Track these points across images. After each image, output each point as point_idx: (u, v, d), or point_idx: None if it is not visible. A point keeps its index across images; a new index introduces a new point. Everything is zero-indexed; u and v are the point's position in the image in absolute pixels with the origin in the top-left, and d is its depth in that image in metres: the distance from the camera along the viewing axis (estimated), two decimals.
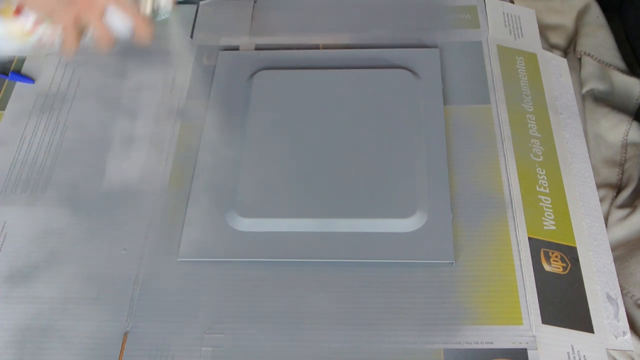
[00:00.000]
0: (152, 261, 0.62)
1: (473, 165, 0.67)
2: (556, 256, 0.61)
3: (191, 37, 0.81)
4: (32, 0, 0.59)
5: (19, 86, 0.77)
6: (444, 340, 0.56)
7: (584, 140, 0.71)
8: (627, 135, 0.73)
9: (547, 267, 0.60)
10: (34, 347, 0.58)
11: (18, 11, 0.60)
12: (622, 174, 0.71)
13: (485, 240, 0.62)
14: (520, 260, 0.61)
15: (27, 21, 0.60)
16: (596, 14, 0.83)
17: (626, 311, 0.59)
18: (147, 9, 0.62)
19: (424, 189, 0.64)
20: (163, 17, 0.63)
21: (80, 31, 0.60)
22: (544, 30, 0.83)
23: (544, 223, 0.63)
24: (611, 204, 0.68)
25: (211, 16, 0.83)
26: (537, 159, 0.68)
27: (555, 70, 0.77)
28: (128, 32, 0.60)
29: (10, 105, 0.75)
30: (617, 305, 0.59)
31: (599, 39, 0.81)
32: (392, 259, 0.61)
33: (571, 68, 0.78)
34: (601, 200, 0.67)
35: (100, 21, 0.59)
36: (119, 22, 0.60)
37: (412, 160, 0.66)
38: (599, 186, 0.69)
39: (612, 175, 0.71)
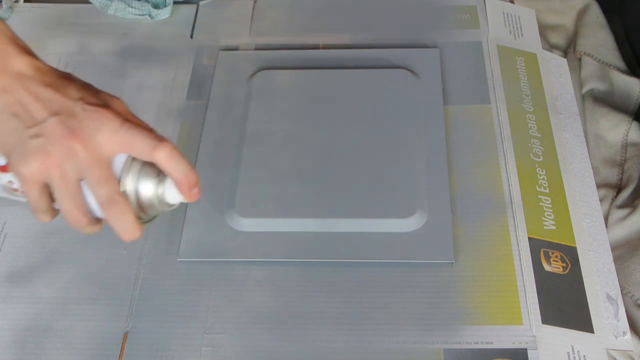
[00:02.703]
0: (152, 261, 0.62)
1: (473, 165, 0.67)
2: (556, 256, 0.61)
3: (191, 37, 0.81)
4: None
5: None
6: (444, 340, 0.56)
7: (584, 140, 0.71)
8: (627, 135, 0.73)
9: (547, 267, 0.60)
10: (34, 347, 0.58)
11: None
12: (622, 174, 0.71)
13: (485, 240, 0.62)
14: (520, 260, 0.61)
15: None
16: (596, 14, 0.83)
17: (626, 311, 0.59)
18: (144, 193, 0.43)
19: (424, 189, 0.64)
20: (167, 210, 0.45)
21: (50, 197, 0.43)
22: (544, 30, 0.83)
23: (544, 223, 0.63)
24: (611, 204, 0.68)
25: (211, 16, 0.83)
26: (537, 159, 0.68)
27: (555, 70, 0.77)
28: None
29: None
30: (617, 305, 0.59)
31: (599, 39, 0.81)
32: (392, 259, 0.61)
33: (571, 68, 0.78)
34: (601, 200, 0.67)
35: (65, 193, 0.42)
36: (93, 200, 0.43)
37: (412, 160, 0.66)
38: (599, 186, 0.69)
39: (612, 175, 0.71)
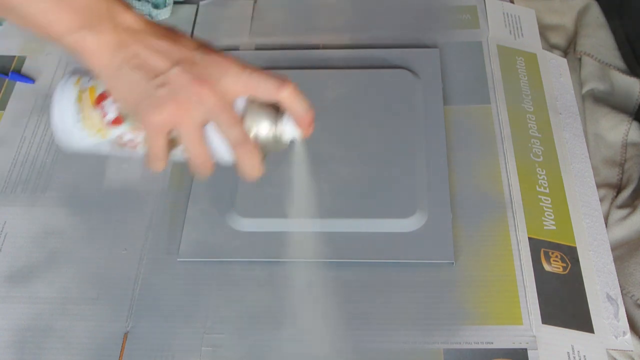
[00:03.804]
0: (152, 261, 0.62)
1: (473, 165, 0.67)
2: (556, 256, 0.61)
3: (191, 37, 0.80)
4: (119, 89, 0.44)
5: (19, 86, 0.77)
6: (444, 340, 0.56)
7: (584, 140, 0.71)
8: (627, 135, 0.73)
9: (547, 267, 0.60)
10: (34, 347, 0.58)
11: (100, 100, 0.46)
12: (622, 174, 0.71)
13: (485, 240, 0.62)
14: (520, 260, 0.61)
15: (108, 113, 0.46)
16: (596, 14, 0.83)
17: (626, 311, 0.59)
18: (268, 137, 0.45)
19: (424, 189, 0.64)
20: (285, 146, 0.47)
21: (170, 143, 0.44)
22: (544, 30, 0.83)
23: (544, 223, 0.63)
24: (611, 204, 0.68)
25: (211, 16, 0.83)
26: (537, 159, 0.68)
27: (555, 70, 0.77)
28: (229, 157, 0.45)
29: (10, 105, 0.75)
30: (617, 305, 0.59)
31: (599, 39, 0.81)
32: (392, 259, 0.61)
33: (571, 68, 0.78)
34: (601, 200, 0.67)
35: (195, 135, 0.43)
36: (219, 142, 0.44)
37: (412, 160, 0.66)
38: (599, 186, 0.69)
39: (612, 175, 0.71)
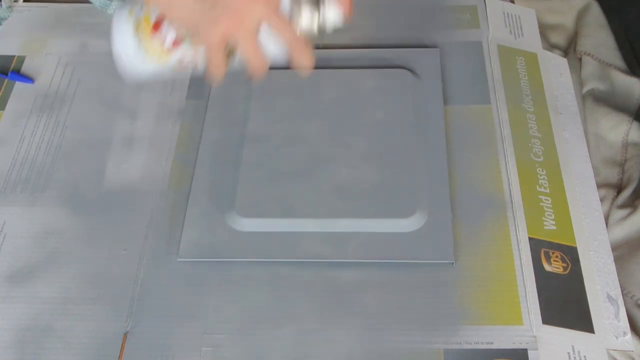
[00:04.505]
0: (152, 261, 0.62)
1: (473, 165, 0.67)
2: (556, 256, 0.61)
3: None
4: (175, 13, 0.49)
5: (19, 86, 0.77)
6: (444, 340, 0.56)
7: (584, 140, 0.71)
8: (627, 135, 0.73)
9: (547, 267, 0.60)
10: (34, 347, 0.58)
11: (157, 25, 0.50)
12: (623, 174, 0.71)
13: (485, 240, 0.62)
14: (520, 260, 0.60)
15: (167, 38, 0.50)
16: (596, 14, 0.83)
17: (627, 311, 0.59)
18: (312, 25, 0.49)
19: (424, 189, 0.64)
20: (330, 32, 0.51)
21: (228, 52, 0.50)
22: (544, 30, 0.83)
23: (544, 223, 0.63)
24: (611, 203, 0.68)
25: None
26: (537, 159, 0.68)
27: (555, 70, 0.77)
28: (283, 55, 0.50)
29: (9, 105, 0.75)
30: (618, 305, 0.59)
31: (599, 39, 0.81)
32: (392, 259, 0.61)
33: (571, 68, 0.78)
34: (601, 200, 0.67)
35: (251, 42, 0.49)
36: (272, 42, 0.49)
37: (412, 160, 0.66)
38: (599, 186, 0.69)
39: (612, 175, 0.71)
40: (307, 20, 0.49)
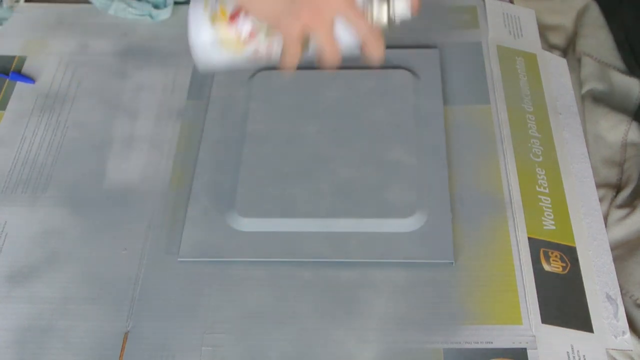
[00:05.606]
0: (152, 261, 0.62)
1: (473, 165, 0.67)
2: (556, 256, 0.61)
3: None
4: (257, 7, 0.52)
5: (20, 86, 0.77)
6: (443, 340, 0.56)
7: (584, 140, 0.71)
8: (626, 135, 0.73)
9: (546, 267, 0.61)
10: (34, 347, 0.58)
11: (234, 17, 0.52)
12: (622, 174, 0.71)
13: (485, 240, 0.62)
14: (519, 260, 0.61)
15: (243, 29, 0.52)
16: (596, 14, 0.83)
17: (626, 311, 0.59)
18: (383, 17, 0.52)
19: (423, 189, 0.64)
20: (398, 24, 0.53)
21: (303, 43, 0.52)
22: (543, 30, 0.83)
23: (544, 223, 0.63)
24: (611, 203, 0.68)
25: None
26: (536, 159, 0.68)
27: (555, 70, 0.77)
28: (356, 45, 0.53)
29: (10, 105, 0.75)
30: (617, 305, 0.59)
31: (599, 39, 0.81)
32: (391, 259, 0.61)
33: (571, 68, 0.78)
34: (601, 200, 0.67)
35: (327, 33, 0.51)
36: (347, 34, 0.52)
37: (412, 160, 0.66)
38: (599, 186, 0.69)
39: (611, 175, 0.71)
40: (378, 13, 0.52)
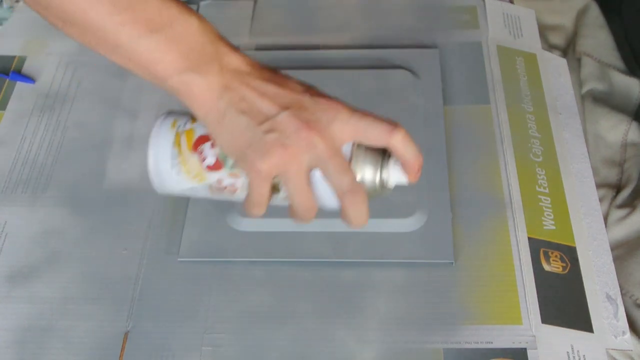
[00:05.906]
0: (152, 261, 0.62)
1: (473, 165, 0.67)
2: (556, 256, 0.61)
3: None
4: (223, 136, 0.43)
5: (20, 86, 0.77)
6: (443, 340, 0.56)
7: (584, 140, 0.71)
8: (626, 135, 0.73)
9: (546, 267, 0.61)
10: (34, 347, 0.58)
11: (198, 143, 0.45)
12: (622, 173, 0.71)
13: (485, 240, 0.62)
14: (519, 260, 0.61)
15: (207, 158, 0.45)
16: (596, 14, 0.83)
17: (626, 311, 0.59)
18: (369, 178, 0.43)
19: (423, 189, 0.64)
20: (384, 195, 0.45)
21: (273, 187, 0.43)
22: (543, 30, 0.83)
23: (544, 223, 0.63)
24: (610, 203, 0.68)
25: (211, 16, 0.82)
26: (536, 159, 0.68)
27: (555, 70, 0.77)
28: (334, 204, 0.44)
29: (10, 105, 0.75)
30: (617, 305, 0.59)
31: (599, 39, 0.81)
32: (392, 259, 0.61)
33: (571, 68, 0.78)
34: (601, 200, 0.67)
35: (302, 181, 0.42)
36: (325, 187, 0.43)
37: None
38: (599, 186, 0.69)
39: (611, 175, 0.71)
40: (370, 175, 0.43)
